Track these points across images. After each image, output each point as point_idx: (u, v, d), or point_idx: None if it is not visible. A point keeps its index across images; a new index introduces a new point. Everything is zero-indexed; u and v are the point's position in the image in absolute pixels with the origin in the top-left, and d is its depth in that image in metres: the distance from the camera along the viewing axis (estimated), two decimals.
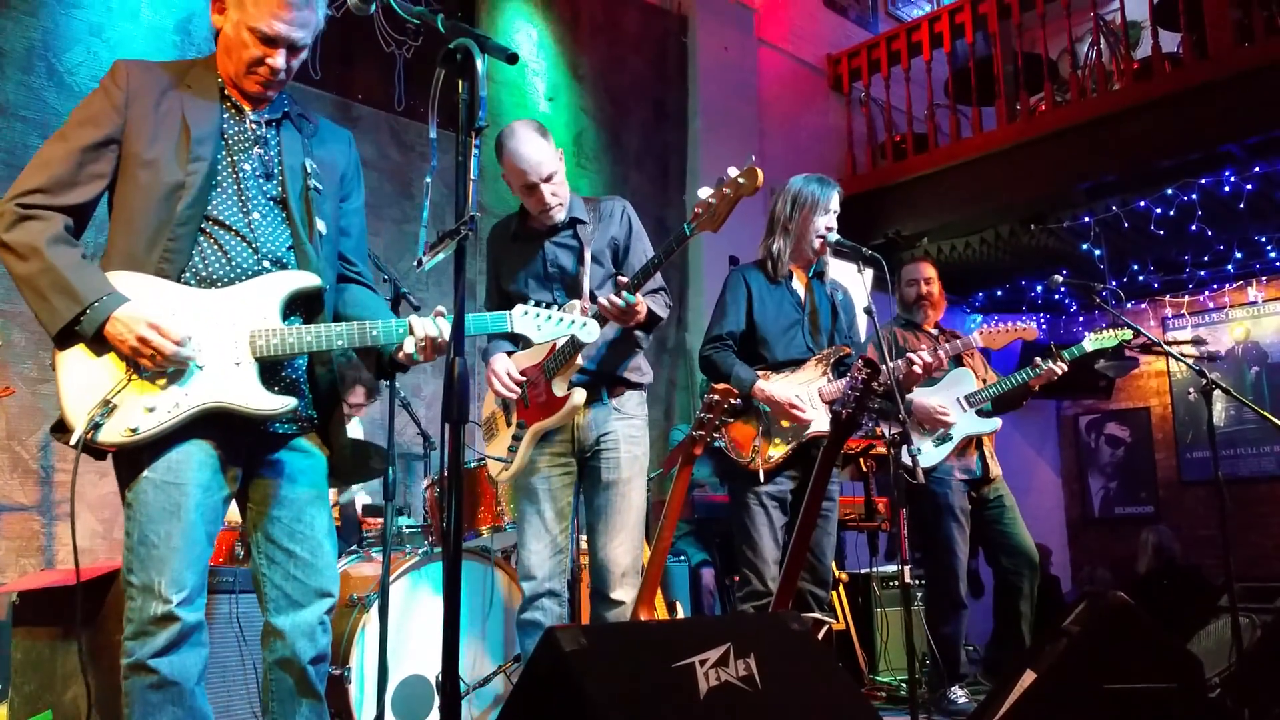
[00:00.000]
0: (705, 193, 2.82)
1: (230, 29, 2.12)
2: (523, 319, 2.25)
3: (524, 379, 3.07)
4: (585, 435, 3.09)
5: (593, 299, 3.05)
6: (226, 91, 2.18)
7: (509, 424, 3.16)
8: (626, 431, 3.11)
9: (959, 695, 4.19)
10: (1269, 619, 3.63)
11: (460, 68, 1.77)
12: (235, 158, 2.15)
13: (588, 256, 3.12)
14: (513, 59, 1.83)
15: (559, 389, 3.02)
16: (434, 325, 2.15)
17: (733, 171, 2.77)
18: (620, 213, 3.23)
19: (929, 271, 4.62)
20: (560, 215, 3.14)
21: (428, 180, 1.91)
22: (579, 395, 3.00)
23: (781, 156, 7.13)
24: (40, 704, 2.97)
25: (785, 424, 3.47)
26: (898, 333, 4.53)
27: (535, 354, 3.09)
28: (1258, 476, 8.21)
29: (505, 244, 3.27)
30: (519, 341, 3.15)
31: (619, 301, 2.83)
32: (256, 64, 2.12)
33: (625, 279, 2.90)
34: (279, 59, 2.12)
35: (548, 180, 3.06)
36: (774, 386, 3.47)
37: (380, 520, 3.96)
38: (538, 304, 2.31)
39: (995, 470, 4.42)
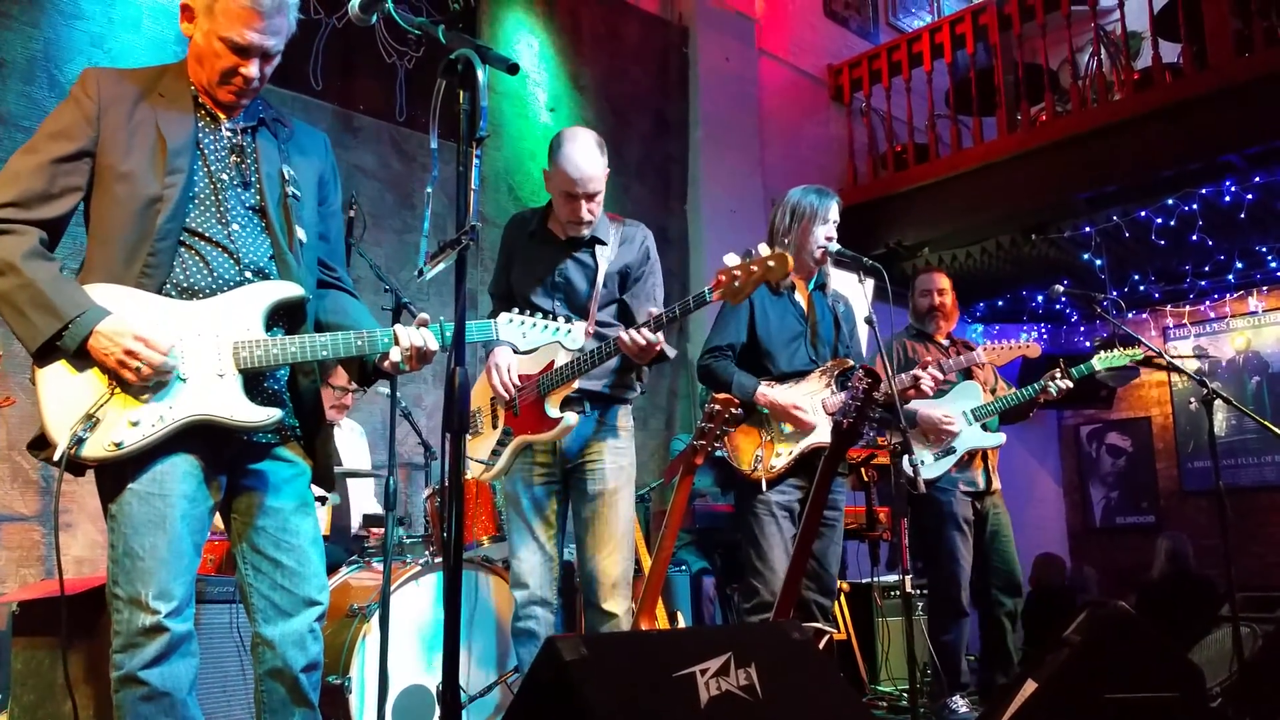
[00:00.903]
0: (732, 261, 2.76)
1: (201, 38, 2.08)
2: (507, 326, 2.24)
3: (520, 386, 3.07)
4: (570, 447, 3.09)
5: (598, 325, 3.05)
6: (200, 100, 2.15)
7: (495, 426, 3.16)
8: (613, 443, 3.11)
9: (960, 705, 4.19)
10: (1270, 629, 3.62)
11: (461, 78, 1.78)
12: (212, 168, 2.12)
13: (600, 280, 3.11)
14: (513, 69, 1.84)
15: (551, 410, 3.00)
16: (419, 335, 2.14)
17: (764, 250, 2.70)
18: (640, 241, 3.22)
19: (942, 282, 4.63)
20: (586, 233, 3.13)
21: (429, 190, 1.91)
22: (570, 419, 2.97)
23: (782, 167, 7.14)
24: (40, 713, 2.96)
25: (789, 428, 3.46)
26: (907, 344, 4.54)
27: (535, 363, 3.08)
28: (1259, 486, 8.20)
29: (523, 239, 3.24)
30: None
31: (640, 340, 2.80)
32: (230, 74, 2.08)
33: (656, 310, 2.86)
34: (253, 68, 2.09)
35: (590, 198, 3.05)
36: (776, 392, 3.48)
37: (381, 530, 3.95)
38: (538, 309, 2.31)
39: (996, 484, 4.43)
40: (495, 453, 3.12)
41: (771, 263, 2.68)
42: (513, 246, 3.26)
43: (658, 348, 2.84)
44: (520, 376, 3.07)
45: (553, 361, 3.01)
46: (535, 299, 3.11)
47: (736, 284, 2.73)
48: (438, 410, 5.08)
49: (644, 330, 2.80)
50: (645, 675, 1.85)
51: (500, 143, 5.77)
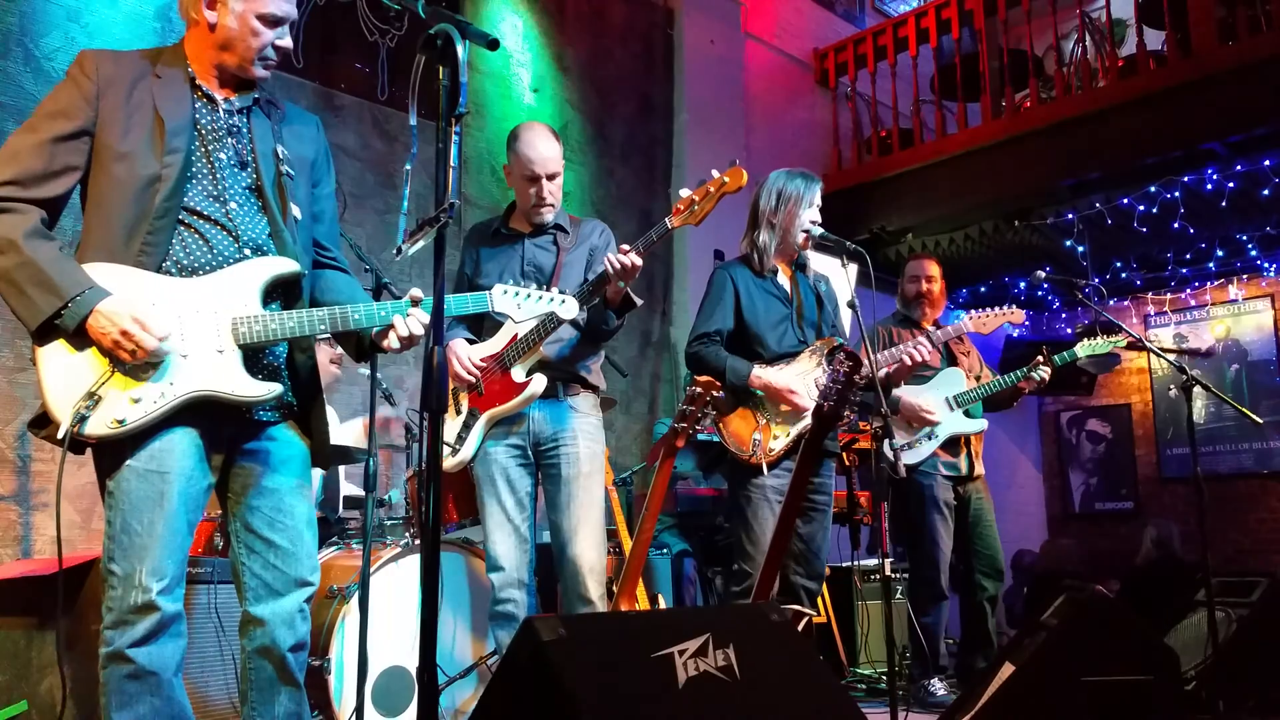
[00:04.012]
0: (686, 192, 2.92)
1: (233, 21, 2.11)
2: (503, 297, 2.29)
3: (483, 365, 3.11)
4: (541, 429, 3.12)
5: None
6: (198, 81, 2.17)
7: (458, 412, 3.20)
8: (584, 428, 3.15)
9: (938, 687, 4.23)
10: (1245, 613, 3.66)
11: (441, 54, 1.76)
12: (209, 148, 2.14)
13: (562, 259, 3.22)
14: (493, 45, 1.83)
15: (518, 375, 3.05)
16: (418, 325, 2.18)
17: (716, 172, 2.85)
18: (601, 230, 3.37)
19: (932, 269, 4.64)
20: (550, 216, 3.26)
21: (407, 168, 1.92)
22: (539, 382, 3.03)
23: (767, 151, 7.13)
24: (15, 694, 2.95)
25: (784, 409, 3.46)
26: (893, 330, 4.54)
27: (493, 345, 3.13)
28: (1236, 473, 8.28)
29: (485, 240, 3.34)
30: (478, 334, 3.25)
31: (625, 261, 2.88)
32: (267, 48, 2.15)
33: (627, 246, 2.96)
34: (288, 38, 2.18)
35: (550, 179, 3.18)
36: (770, 373, 3.47)
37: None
38: None
39: (979, 470, 4.45)
40: (461, 436, 3.14)
41: (726, 179, 2.84)
42: (478, 248, 3.34)
43: (637, 272, 2.94)
44: (482, 359, 3.14)
45: (516, 335, 3.06)
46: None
47: (695, 206, 2.89)
48: (419, 392, 5.06)
49: (631, 254, 2.89)
50: (623, 656, 1.85)
51: (483, 123, 5.73)
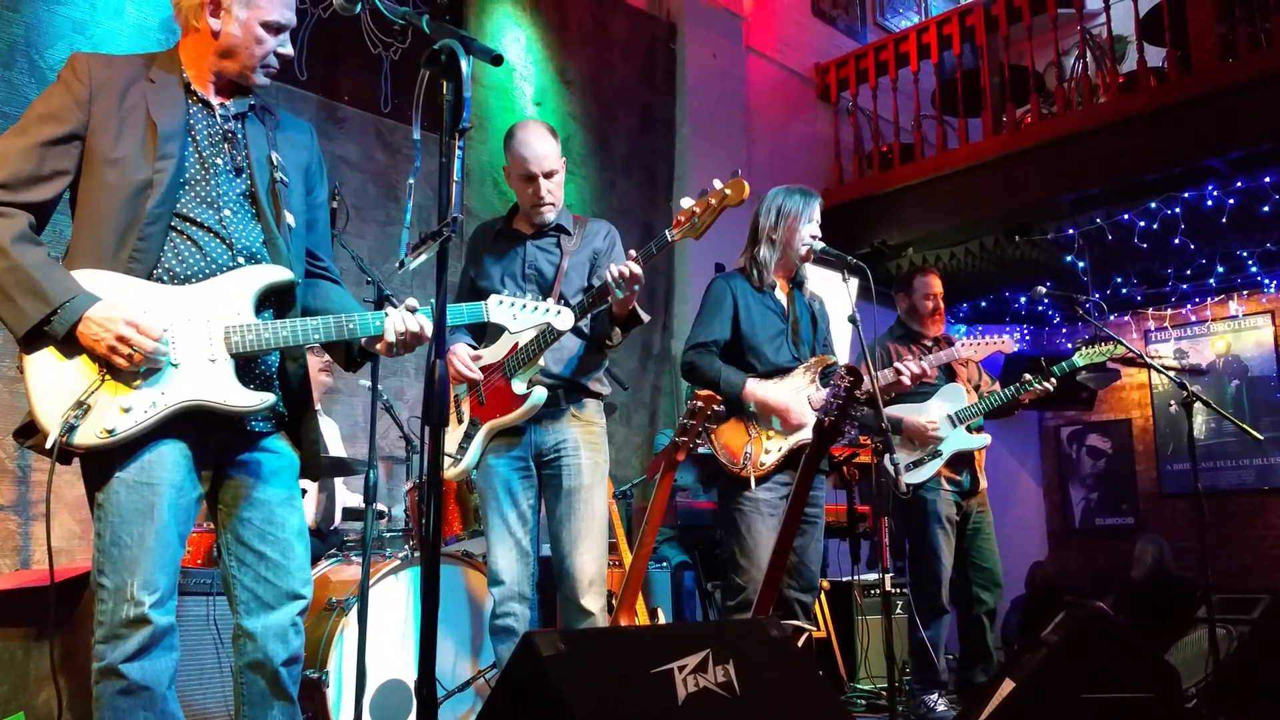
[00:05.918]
0: (688, 203, 2.87)
1: (237, 29, 2.10)
2: (498, 308, 2.28)
3: (485, 368, 3.09)
4: (543, 440, 3.10)
5: (564, 303, 3.06)
6: (193, 87, 2.15)
7: (460, 420, 3.17)
8: (586, 438, 3.11)
9: (938, 703, 4.21)
10: (1246, 630, 3.65)
11: (445, 68, 1.77)
12: (204, 153, 2.12)
13: (565, 265, 3.17)
14: (497, 60, 1.83)
15: (518, 387, 3.03)
16: (414, 321, 2.15)
17: (718, 183, 2.81)
18: (605, 232, 3.31)
19: (939, 285, 4.67)
20: (551, 216, 3.20)
21: (410, 181, 1.90)
22: (539, 394, 3.00)
23: (769, 165, 7.15)
24: (13, 706, 2.94)
25: (778, 422, 3.45)
26: (890, 347, 4.53)
27: (496, 352, 3.11)
28: (1237, 489, 8.27)
29: (488, 241, 3.29)
30: (480, 342, 3.22)
31: (625, 271, 2.83)
32: (270, 55, 2.16)
33: (635, 251, 2.91)
34: (289, 46, 2.19)
35: (548, 176, 3.14)
36: (764, 388, 3.47)
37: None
38: None
39: (981, 484, 4.46)
40: (462, 445, 3.12)
41: (728, 191, 2.79)
42: (480, 249, 3.31)
43: (639, 285, 2.88)
44: (483, 367, 3.11)
45: (516, 344, 3.04)
46: (507, 292, 3.12)
47: (696, 219, 2.84)
48: (419, 404, 5.05)
49: (628, 265, 2.83)
50: (622, 671, 1.85)
51: (486, 136, 5.75)
